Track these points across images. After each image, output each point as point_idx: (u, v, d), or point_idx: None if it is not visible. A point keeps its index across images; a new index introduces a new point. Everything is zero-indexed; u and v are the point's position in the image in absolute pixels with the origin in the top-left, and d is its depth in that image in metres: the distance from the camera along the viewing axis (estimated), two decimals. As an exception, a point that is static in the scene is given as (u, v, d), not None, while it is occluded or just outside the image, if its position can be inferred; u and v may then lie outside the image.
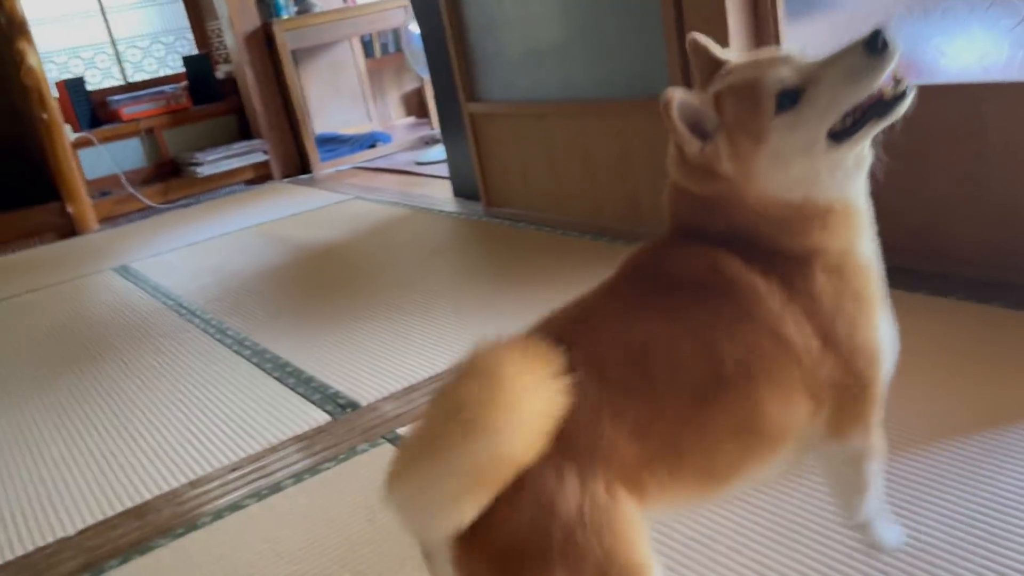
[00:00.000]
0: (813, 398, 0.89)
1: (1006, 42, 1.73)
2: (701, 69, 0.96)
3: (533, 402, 0.73)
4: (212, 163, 4.84)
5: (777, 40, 2.15)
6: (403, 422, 1.83)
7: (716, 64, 0.95)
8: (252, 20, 4.87)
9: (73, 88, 4.70)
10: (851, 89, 0.86)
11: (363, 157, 5.30)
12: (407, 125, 6.14)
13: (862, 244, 0.94)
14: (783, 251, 0.88)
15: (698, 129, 0.91)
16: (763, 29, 2.16)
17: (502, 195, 3.29)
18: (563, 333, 0.86)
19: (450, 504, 0.73)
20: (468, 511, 0.73)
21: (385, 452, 1.72)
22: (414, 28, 4.50)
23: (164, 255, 3.75)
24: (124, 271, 3.58)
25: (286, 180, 5.08)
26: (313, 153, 5.12)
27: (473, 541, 0.76)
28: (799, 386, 0.88)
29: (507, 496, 0.75)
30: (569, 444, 0.78)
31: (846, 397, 0.91)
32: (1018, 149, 1.77)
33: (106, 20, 5.09)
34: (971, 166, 1.85)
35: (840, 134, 0.89)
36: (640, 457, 0.82)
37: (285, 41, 4.88)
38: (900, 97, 0.89)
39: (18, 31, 4.18)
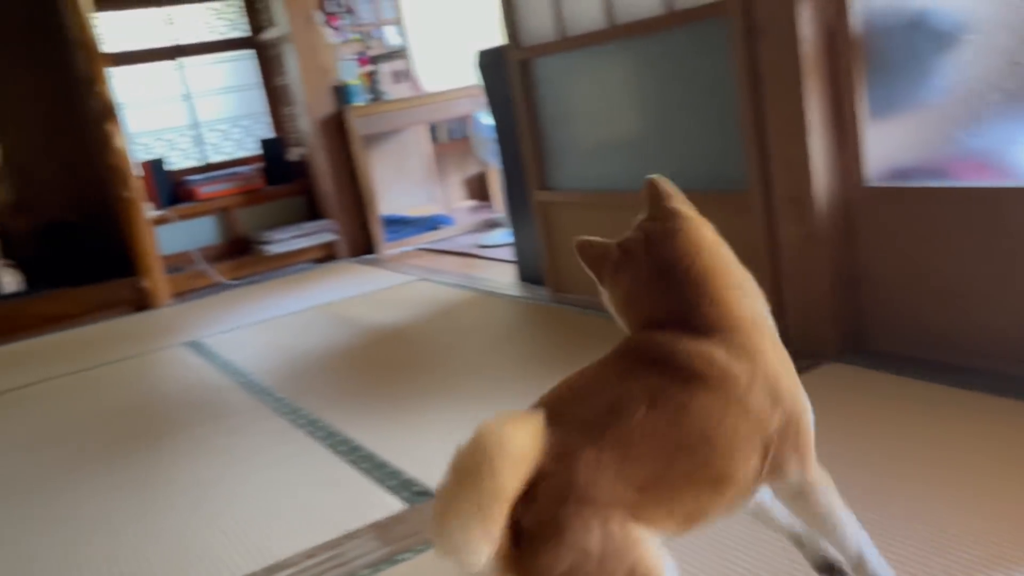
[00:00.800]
0: (765, 449, 1.07)
1: (1103, 146, 1.71)
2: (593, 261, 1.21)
3: (524, 460, 0.95)
4: (282, 242, 4.98)
5: (856, 141, 2.16)
6: (479, 514, 1.80)
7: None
8: (327, 106, 5.07)
9: (155, 168, 4.91)
10: None
11: (426, 239, 5.40)
12: (468, 208, 6.26)
13: None
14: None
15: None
16: (845, 129, 2.17)
17: (569, 282, 3.31)
18: (561, 405, 1.10)
19: (481, 530, 0.91)
20: (492, 534, 0.92)
21: (462, 545, 1.69)
22: (483, 116, 4.63)
23: (234, 331, 3.82)
24: (195, 346, 3.66)
25: (352, 260, 5.19)
26: (379, 234, 5.24)
27: None
28: (757, 443, 1.06)
29: (548, 545, 0.96)
30: (587, 496, 0.98)
31: (783, 438, 1.08)
32: (1118, 253, 1.72)
33: (191, 105, 5.34)
34: (1067, 269, 1.81)
35: None
36: (639, 501, 1.01)
37: (356, 127, 5.05)
38: None
39: (107, 114, 4.40)
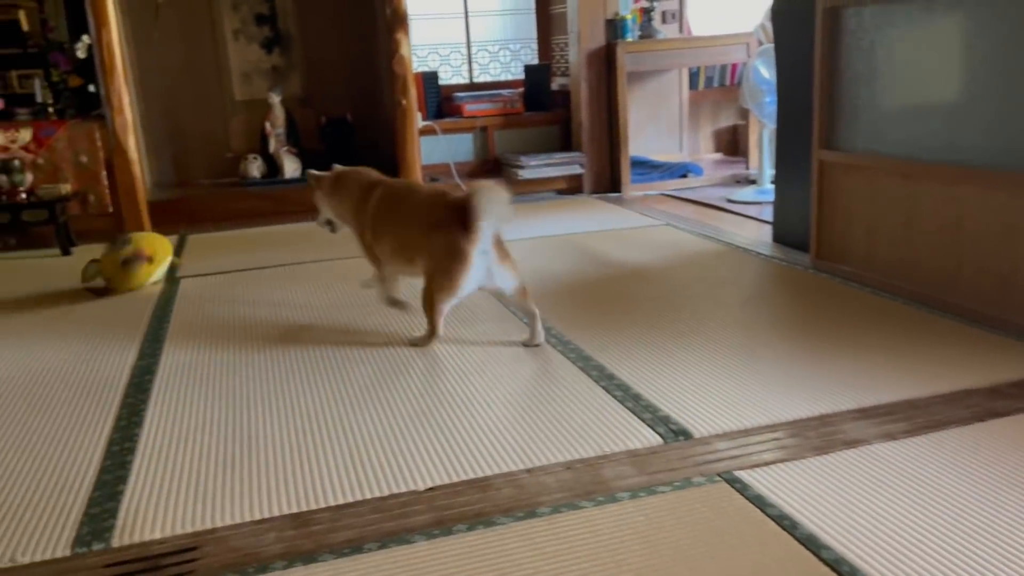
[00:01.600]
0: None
1: None
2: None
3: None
4: (533, 168, 5.08)
5: None
6: (740, 464, 1.78)
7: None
8: (598, 39, 5.05)
9: (428, 81, 5.15)
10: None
11: (672, 185, 5.31)
12: (714, 161, 6.07)
13: None
14: None
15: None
16: None
17: (837, 250, 3.13)
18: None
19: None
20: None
21: (721, 492, 1.68)
22: (761, 66, 4.42)
23: (483, 246, 3.97)
24: (449, 254, 3.84)
25: (595, 195, 5.22)
26: (626, 173, 5.21)
27: None
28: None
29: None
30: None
31: None
32: None
33: (467, 23, 5.53)
34: None
35: None
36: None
37: (625, 63, 5.01)
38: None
39: (399, 23, 4.64)
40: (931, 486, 1.65)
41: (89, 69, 4.41)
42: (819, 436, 1.89)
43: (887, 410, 2.00)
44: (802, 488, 1.67)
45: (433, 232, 2.45)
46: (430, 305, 2.52)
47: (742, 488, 1.68)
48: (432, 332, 2.57)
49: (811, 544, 1.47)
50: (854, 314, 2.71)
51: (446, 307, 2.52)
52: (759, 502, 1.62)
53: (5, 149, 4.26)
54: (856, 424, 1.94)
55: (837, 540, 1.48)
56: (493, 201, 2.34)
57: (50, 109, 4.44)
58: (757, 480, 1.71)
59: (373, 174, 2.83)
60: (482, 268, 2.42)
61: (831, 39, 3.00)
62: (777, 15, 3.56)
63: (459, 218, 2.37)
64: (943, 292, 2.65)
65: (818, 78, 3.07)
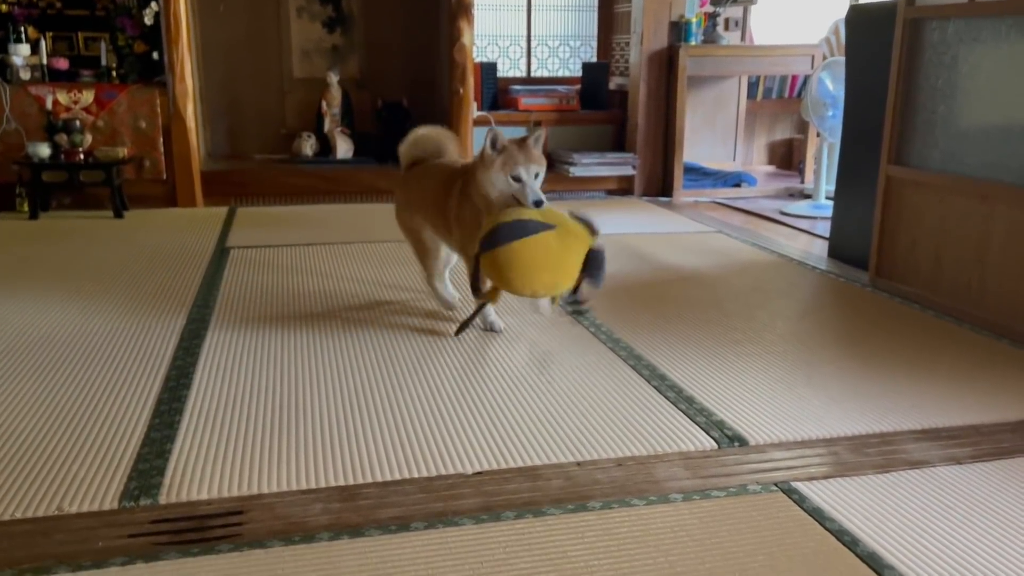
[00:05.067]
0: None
1: None
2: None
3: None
4: (585, 166, 5.03)
5: None
6: (797, 476, 1.72)
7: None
8: (661, 40, 4.99)
9: (486, 71, 5.13)
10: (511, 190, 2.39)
11: (724, 193, 5.23)
12: (767, 173, 5.98)
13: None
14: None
15: (494, 145, 2.36)
16: None
17: (899, 270, 3.04)
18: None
19: None
20: None
21: (778, 501, 1.63)
22: (827, 78, 4.33)
23: (532, 239, 3.93)
24: (497, 244, 3.81)
25: (645, 198, 5.15)
26: (678, 178, 5.14)
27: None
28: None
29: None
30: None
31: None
32: None
33: (529, 17, 5.49)
34: None
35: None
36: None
37: (686, 66, 4.94)
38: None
39: (463, 11, 4.62)
40: (1000, 515, 1.59)
41: (155, 36, 4.45)
42: (880, 454, 1.83)
43: (951, 433, 1.93)
44: (863, 505, 1.61)
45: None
46: None
47: (799, 500, 1.63)
48: None
49: (873, 562, 1.42)
50: (917, 335, 2.63)
51: None
52: (817, 515, 1.57)
53: (67, 109, 4.31)
54: (919, 445, 1.87)
55: (901, 561, 1.43)
56: None
57: (113, 73, 4.48)
58: (815, 492, 1.65)
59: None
60: None
61: (910, 52, 2.92)
62: (851, 24, 3.48)
63: None
64: (1015, 321, 2.56)
65: (893, 91, 2.98)
